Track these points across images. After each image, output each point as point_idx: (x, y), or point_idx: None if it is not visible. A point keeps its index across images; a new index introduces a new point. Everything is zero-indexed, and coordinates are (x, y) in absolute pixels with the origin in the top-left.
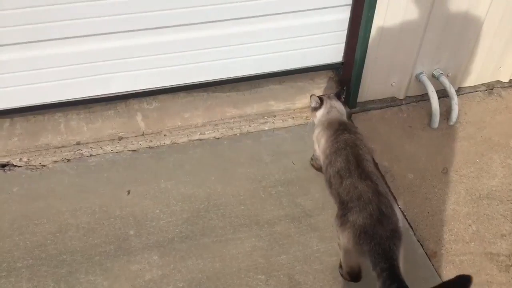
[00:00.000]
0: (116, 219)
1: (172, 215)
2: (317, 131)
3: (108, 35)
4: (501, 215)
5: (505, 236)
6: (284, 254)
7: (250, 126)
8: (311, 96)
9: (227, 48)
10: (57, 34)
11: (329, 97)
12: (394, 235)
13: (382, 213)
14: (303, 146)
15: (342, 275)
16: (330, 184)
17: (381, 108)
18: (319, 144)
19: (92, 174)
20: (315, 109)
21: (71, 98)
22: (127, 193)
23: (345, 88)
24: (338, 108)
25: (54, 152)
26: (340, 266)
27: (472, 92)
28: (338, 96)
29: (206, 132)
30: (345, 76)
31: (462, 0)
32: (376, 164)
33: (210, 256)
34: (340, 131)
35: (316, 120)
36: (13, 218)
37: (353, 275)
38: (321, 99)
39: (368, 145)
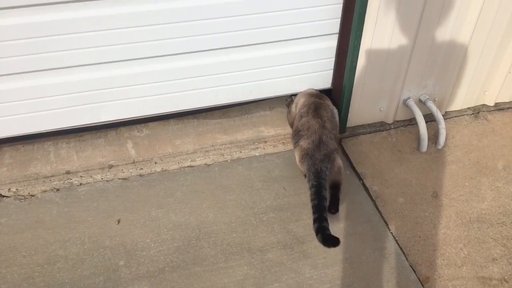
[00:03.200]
0: (106, 249)
1: (162, 244)
2: (297, 99)
3: (98, 65)
4: (491, 238)
5: (496, 259)
6: (277, 282)
7: (241, 152)
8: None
9: (217, 76)
10: (46, 65)
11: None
12: (326, 158)
13: (321, 140)
14: (294, 172)
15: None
16: (294, 126)
17: (370, 132)
18: (298, 103)
19: (81, 204)
20: (289, 104)
21: (61, 127)
22: (117, 222)
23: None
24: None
25: (44, 181)
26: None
27: (459, 116)
28: None
29: (197, 159)
30: (334, 102)
31: (446, 27)
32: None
33: (202, 285)
34: (314, 97)
35: (294, 102)
36: (1, 250)
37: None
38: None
39: (333, 109)
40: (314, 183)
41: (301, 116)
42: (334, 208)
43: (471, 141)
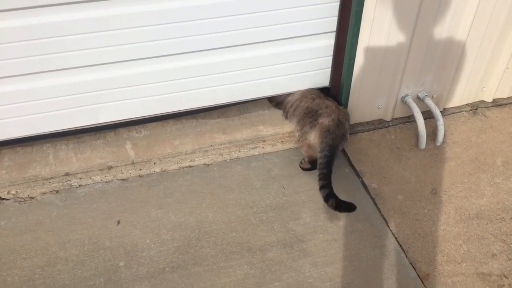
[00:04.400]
0: (106, 250)
1: (162, 244)
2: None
3: (96, 66)
4: (491, 234)
5: (495, 255)
6: (277, 281)
7: (240, 151)
8: None
9: (216, 75)
10: (44, 67)
11: None
12: (343, 137)
13: (339, 120)
14: (293, 170)
15: (303, 168)
16: (296, 108)
17: (368, 130)
18: (295, 95)
19: (81, 205)
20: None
21: (59, 129)
22: (117, 223)
23: None
24: None
25: (43, 183)
26: (301, 163)
27: (457, 113)
28: None
29: (196, 159)
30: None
31: (443, 24)
32: (364, 184)
33: (202, 286)
34: (310, 90)
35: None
36: (1, 252)
37: (313, 163)
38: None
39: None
40: (328, 154)
41: (313, 99)
42: None
43: (469, 137)
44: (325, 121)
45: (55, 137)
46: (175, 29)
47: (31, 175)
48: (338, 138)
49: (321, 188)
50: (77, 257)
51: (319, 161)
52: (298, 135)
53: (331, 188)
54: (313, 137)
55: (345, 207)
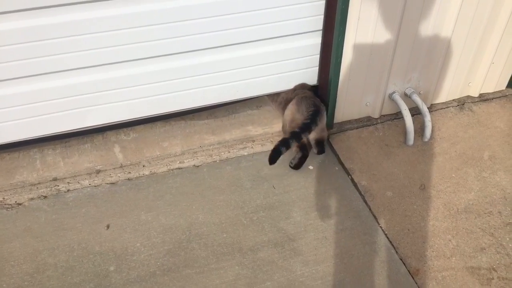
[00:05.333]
0: (96, 255)
1: (153, 247)
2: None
3: (82, 69)
4: (479, 228)
5: (484, 249)
6: (268, 281)
7: (229, 152)
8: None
9: (203, 76)
10: (30, 71)
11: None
12: (321, 111)
13: (315, 96)
14: (283, 170)
15: (294, 165)
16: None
17: (357, 128)
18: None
19: (69, 210)
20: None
21: (46, 134)
22: (106, 227)
23: None
24: None
25: (30, 189)
26: (291, 162)
27: (444, 108)
28: None
29: (185, 161)
30: (320, 98)
31: (428, 20)
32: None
33: None
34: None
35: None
36: None
37: (303, 147)
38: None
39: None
40: (314, 109)
41: (296, 90)
42: (322, 150)
43: (456, 132)
44: (307, 93)
45: (42, 142)
46: (162, 31)
47: (18, 181)
48: (320, 108)
49: (283, 140)
50: (66, 262)
51: (308, 113)
52: (283, 121)
53: (282, 144)
54: (292, 105)
55: (271, 158)
